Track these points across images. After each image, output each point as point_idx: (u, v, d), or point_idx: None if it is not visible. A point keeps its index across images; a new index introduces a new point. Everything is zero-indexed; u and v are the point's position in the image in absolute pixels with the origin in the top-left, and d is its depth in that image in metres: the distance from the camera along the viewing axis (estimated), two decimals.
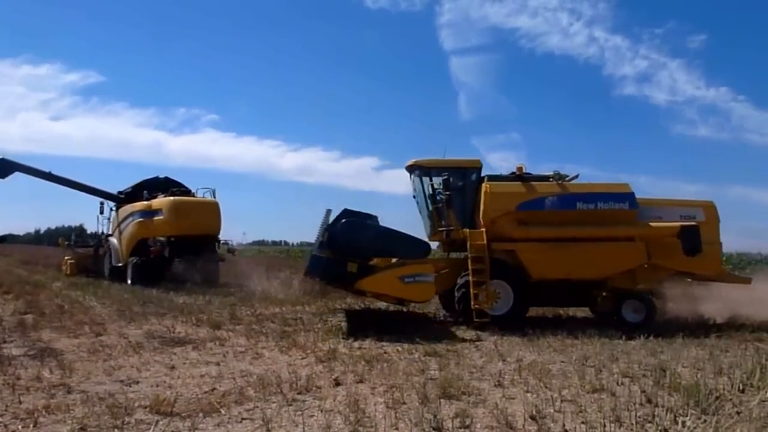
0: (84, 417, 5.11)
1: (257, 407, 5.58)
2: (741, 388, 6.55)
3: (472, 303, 11.45)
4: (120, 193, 23.57)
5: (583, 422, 5.18)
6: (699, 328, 11.23)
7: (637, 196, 12.28)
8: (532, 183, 12.39)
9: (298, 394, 6.11)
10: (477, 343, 9.73)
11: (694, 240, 11.68)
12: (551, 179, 12.56)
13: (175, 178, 23.54)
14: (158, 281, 18.95)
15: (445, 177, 12.52)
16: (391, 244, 11.49)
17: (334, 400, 5.84)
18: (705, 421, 5.20)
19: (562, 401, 5.85)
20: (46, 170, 23.16)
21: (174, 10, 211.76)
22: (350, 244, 11.00)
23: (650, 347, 9.18)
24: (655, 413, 5.42)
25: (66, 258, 25.68)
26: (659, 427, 5.04)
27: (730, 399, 6.06)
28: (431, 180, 12.94)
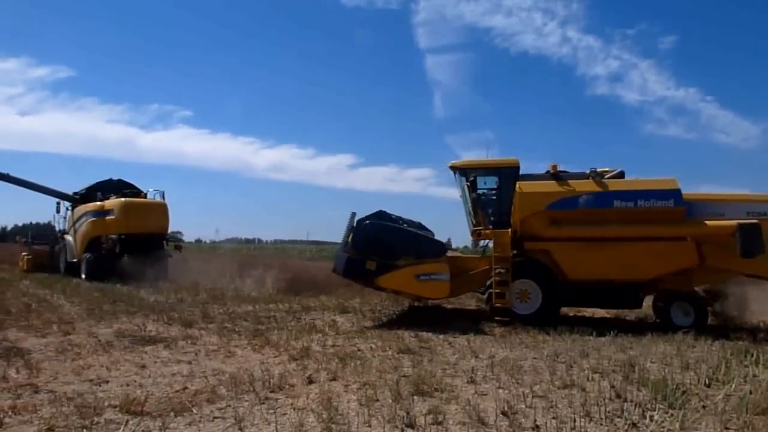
0: (51, 417, 5.02)
1: (229, 406, 5.53)
2: (707, 382, 6.71)
3: (493, 301, 11.75)
4: (75, 193, 25.12)
5: (554, 417, 5.25)
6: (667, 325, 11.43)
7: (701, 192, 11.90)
8: (566, 181, 12.06)
9: (270, 392, 6.07)
10: (450, 340, 9.79)
11: (752, 239, 10.61)
12: (589, 177, 12.15)
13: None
14: (110, 276, 20.17)
15: (473, 178, 12.77)
16: (407, 243, 12.02)
17: (307, 398, 5.82)
18: (672, 415, 5.31)
19: (533, 397, 5.91)
20: (4, 172, 24.26)
21: (146, 6, 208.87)
22: (370, 244, 11.77)
23: (620, 343, 9.32)
24: (624, 408, 5.51)
25: (23, 254, 27.15)
26: (628, 422, 5.13)
27: (697, 393, 6.19)
28: (467, 180, 13.02)
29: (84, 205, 24.01)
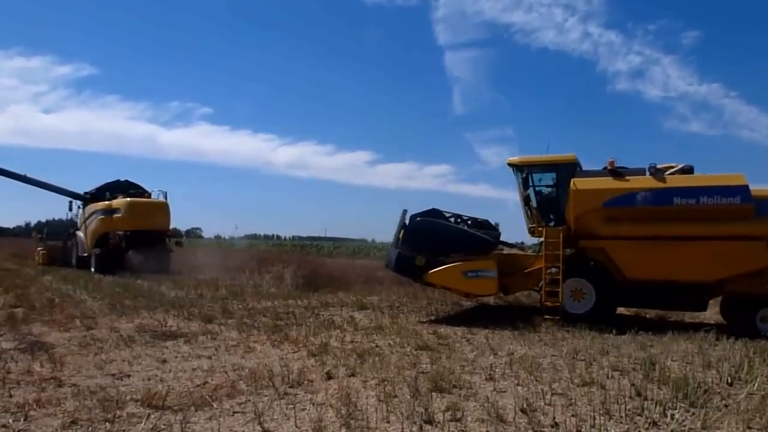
0: (75, 410, 5.11)
1: (249, 401, 5.58)
2: (729, 381, 6.63)
3: (543, 299, 11.70)
4: (86, 193, 27.38)
5: (573, 415, 5.22)
6: (688, 323, 11.29)
7: None
8: (623, 178, 11.56)
9: (289, 387, 6.12)
10: (468, 337, 9.77)
11: None
12: (648, 173, 11.53)
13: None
14: (116, 269, 22.28)
15: (525, 175, 12.65)
16: (455, 241, 12.19)
17: (326, 394, 5.86)
18: (693, 413, 5.26)
19: (552, 394, 5.89)
20: (22, 173, 26.60)
21: (168, 3, 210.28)
22: (419, 241, 12.11)
23: (640, 341, 9.24)
24: (645, 406, 5.47)
25: (38, 249, 29.80)
26: (648, 420, 5.09)
27: (719, 392, 6.13)
28: (521, 177, 12.91)
29: (94, 204, 26.04)
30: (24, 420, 4.91)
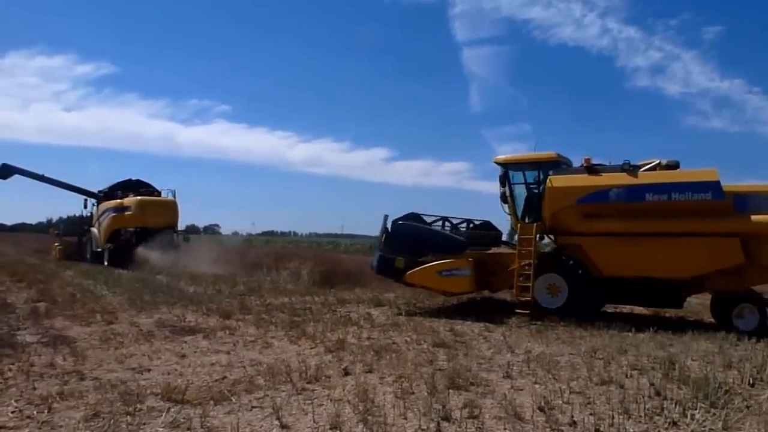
0: (97, 403, 5.17)
1: (267, 396, 5.62)
2: (751, 381, 6.54)
3: (516, 294, 11.89)
4: (100, 192, 28.91)
5: (591, 414, 5.18)
6: (708, 323, 11.16)
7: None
8: (598, 175, 11.62)
9: (307, 383, 6.15)
10: (485, 334, 9.75)
11: None
12: (623, 169, 11.51)
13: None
14: (128, 263, 23.25)
15: (501, 173, 12.94)
16: (429, 242, 12.61)
17: (343, 390, 5.87)
18: (714, 414, 5.20)
19: (570, 393, 5.85)
20: (40, 173, 28.52)
21: (188, 2, 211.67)
22: (399, 243, 12.69)
23: (659, 340, 9.15)
24: (664, 406, 5.42)
25: (55, 244, 31.12)
26: (668, 420, 5.04)
27: (740, 393, 6.05)
28: (500, 175, 13.17)
29: (106, 202, 27.51)
30: (47, 412, 4.99)
